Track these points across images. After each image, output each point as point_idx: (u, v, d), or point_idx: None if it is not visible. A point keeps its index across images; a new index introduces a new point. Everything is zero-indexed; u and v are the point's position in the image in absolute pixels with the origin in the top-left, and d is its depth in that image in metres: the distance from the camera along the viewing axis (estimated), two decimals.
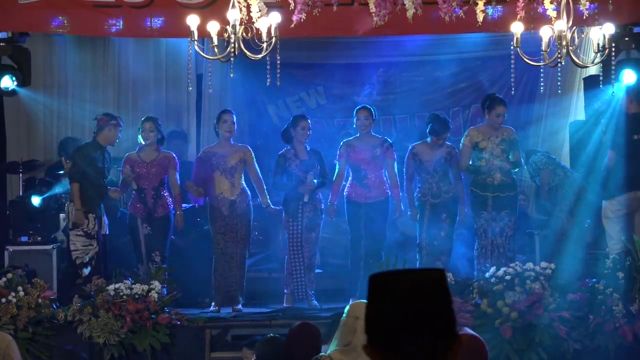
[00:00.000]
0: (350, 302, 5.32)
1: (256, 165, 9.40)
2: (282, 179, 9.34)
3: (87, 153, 9.25)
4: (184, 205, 9.72)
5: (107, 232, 9.36)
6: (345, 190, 9.43)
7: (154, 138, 9.36)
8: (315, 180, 9.24)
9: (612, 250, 8.83)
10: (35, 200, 9.98)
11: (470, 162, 9.36)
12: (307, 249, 9.29)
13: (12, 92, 9.78)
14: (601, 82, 7.30)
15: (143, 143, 9.36)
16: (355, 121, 9.43)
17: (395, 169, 9.37)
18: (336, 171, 9.43)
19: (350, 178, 9.40)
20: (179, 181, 9.40)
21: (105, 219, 9.27)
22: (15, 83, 9.65)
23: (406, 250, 9.49)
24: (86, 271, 9.11)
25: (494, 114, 9.30)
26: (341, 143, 9.54)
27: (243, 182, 9.35)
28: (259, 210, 10.37)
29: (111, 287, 8.38)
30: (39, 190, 10.13)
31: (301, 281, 9.27)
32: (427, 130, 9.41)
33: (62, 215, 9.86)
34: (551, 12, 6.68)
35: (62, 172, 9.62)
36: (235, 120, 9.38)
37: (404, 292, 2.13)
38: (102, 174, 9.24)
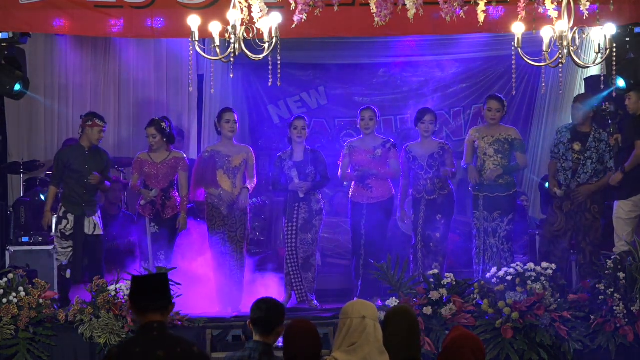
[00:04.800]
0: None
1: (255, 168, 9.42)
2: (279, 180, 9.38)
3: (63, 156, 9.38)
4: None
5: (102, 233, 9.36)
6: (349, 192, 9.49)
7: (160, 142, 9.37)
8: (297, 180, 9.24)
9: (619, 250, 8.81)
10: (42, 197, 10.10)
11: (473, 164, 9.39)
12: (302, 250, 9.30)
13: (20, 95, 9.79)
14: (602, 83, 7.29)
15: (151, 146, 9.41)
16: (359, 121, 9.47)
17: (398, 168, 9.41)
18: (339, 173, 9.46)
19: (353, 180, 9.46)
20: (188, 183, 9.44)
21: (96, 220, 9.26)
22: (23, 87, 9.69)
23: (409, 250, 9.50)
24: (69, 272, 9.16)
25: (486, 110, 9.41)
26: (345, 144, 9.59)
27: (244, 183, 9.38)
28: (260, 210, 10.40)
29: (112, 287, 8.39)
30: (41, 190, 10.21)
31: (298, 281, 9.29)
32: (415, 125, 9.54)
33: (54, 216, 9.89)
34: (552, 13, 6.67)
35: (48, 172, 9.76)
36: (237, 118, 9.38)
37: (141, 282, 4.54)
38: (84, 175, 9.24)
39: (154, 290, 4.47)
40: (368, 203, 9.33)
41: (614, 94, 8.55)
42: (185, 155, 9.60)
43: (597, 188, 9.14)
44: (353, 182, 9.45)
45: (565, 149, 9.20)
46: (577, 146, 9.16)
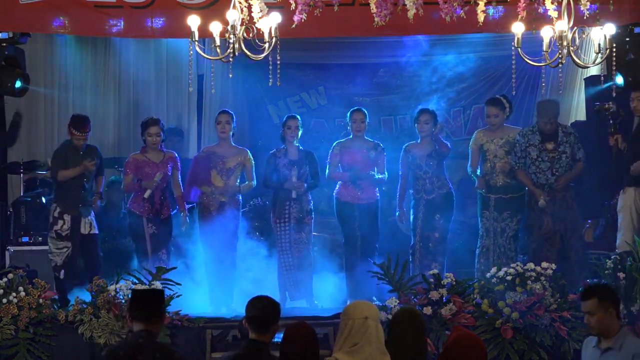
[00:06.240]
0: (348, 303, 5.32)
1: (254, 171, 9.44)
2: (271, 177, 9.40)
3: (60, 155, 9.37)
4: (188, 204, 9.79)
5: (97, 232, 9.37)
6: (335, 190, 9.51)
7: (160, 141, 9.41)
8: (295, 179, 9.27)
9: (621, 246, 8.80)
10: (43, 200, 10.12)
11: (479, 171, 9.40)
12: (296, 250, 9.32)
13: (22, 92, 9.80)
14: (602, 83, 7.31)
15: (150, 147, 9.38)
16: (350, 123, 9.50)
17: (385, 173, 9.46)
18: (327, 172, 9.48)
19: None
20: (180, 181, 9.44)
21: (91, 219, 9.26)
22: (24, 82, 9.72)
23: (407, 250, 9.51)
24: (63, 274, 9.16)
25: (486, 116, 9.50)
26: (334, 143, 9.61)
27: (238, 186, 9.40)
28: (261, 210, 10.39)
29: (112, 287, 8.39)
30: (43, 191, 10.22)
31: (294, 282, 9.31)
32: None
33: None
34: (552, 13, 6.67)
35: (44, 172, 9.76)
36: (230, 119, 9.37)
37: (139, 295, 5.24)
38: (82, 174, 9.24)
39: (146, 303, 5.13)
40: (359, 204, 9.37)
41: (614, 93, 8.55)
42: (177, 155, 9.63)
43: (572, 177, 9.21)
44: (341, 181, 9.48)
45: (539, 151, 9.18)
46: (550, 145, 9.19)
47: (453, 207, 9.51)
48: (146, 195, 9.24)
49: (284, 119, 9.64)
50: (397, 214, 9.58)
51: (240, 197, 9.49)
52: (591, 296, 5.50)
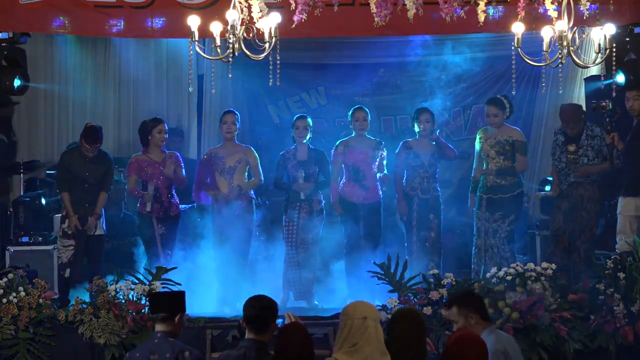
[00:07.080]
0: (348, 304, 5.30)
1: (259, 167, 9.43)
2: (281, 178, 9.41)
3: (65, 161, 9.45)
4: (184, 205, 9.79)
5: (103, 233, 9.42)
6: (339, 189, 9.51)
7: (166, 139, 9.45)
8: (302, 180, 9.27)
9: (623, 248, 8.80)
10: (43, 201, 10.13)
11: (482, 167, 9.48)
12: (302, 249, 9.33)
13: (23, 89, 9.81)
14: (602, 83, 7.30)
15: (157, 144, 9.38)
16: (352, 122, 9.50)
17: (385, 170, 9.47)
18: (331, 171, 9.48)
19: (344, 178, 9.47)
20: (184, 175, 9.47)
21: (99, 220, 9.30)
22: (23, 80, 9.73)
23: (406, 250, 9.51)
24: (68, 272, 9.18)
25: (486, 116, 9.53)
26: (337, 143, 9.60)
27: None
28: (263, 209, 10.40)
29: (112, 287, 8.39)
30: (43, 192, 10.24)
31: (296, 281, 9.31)
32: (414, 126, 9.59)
33: (56, 216, 9.88)
34: (552, 13, 6.66)
35: (52, 172, 9.82)
36: (235, 120, 9.41)
37: (151, 298, 5.69)
38: (84, 179, 9.29)
39: (158, 305, 5.43)
40: (364, 204, 9.37)
41: (614, 93, 8.54)
42: (177, 153, 9.65)
43: (595, 170, 9.19)
44: (343, 180, 9.47)
45: (560, 151, 9.27)
46: (571, 147, 9.22)
47: (441, 209, 9.54)
48: (148, 209, 9.27)
49: (294, 119, 9.64)
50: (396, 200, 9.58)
51: (252, 193, 9.49)
52: (451, 305, 5.81)
